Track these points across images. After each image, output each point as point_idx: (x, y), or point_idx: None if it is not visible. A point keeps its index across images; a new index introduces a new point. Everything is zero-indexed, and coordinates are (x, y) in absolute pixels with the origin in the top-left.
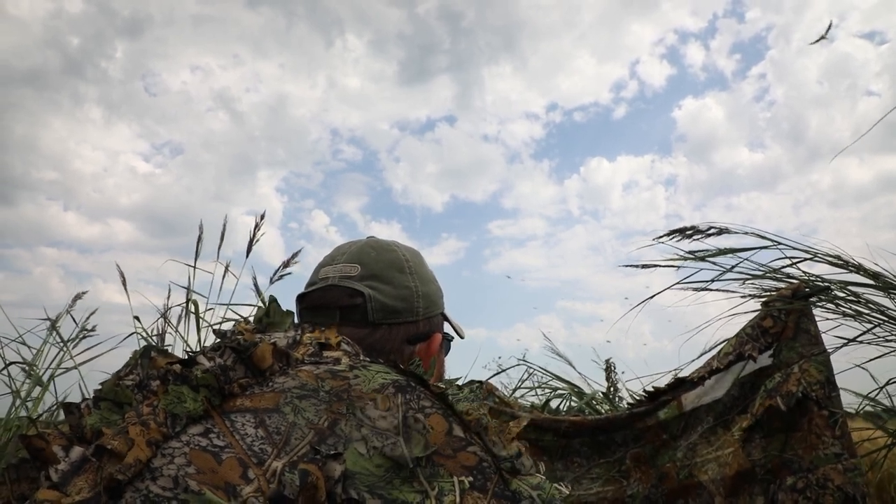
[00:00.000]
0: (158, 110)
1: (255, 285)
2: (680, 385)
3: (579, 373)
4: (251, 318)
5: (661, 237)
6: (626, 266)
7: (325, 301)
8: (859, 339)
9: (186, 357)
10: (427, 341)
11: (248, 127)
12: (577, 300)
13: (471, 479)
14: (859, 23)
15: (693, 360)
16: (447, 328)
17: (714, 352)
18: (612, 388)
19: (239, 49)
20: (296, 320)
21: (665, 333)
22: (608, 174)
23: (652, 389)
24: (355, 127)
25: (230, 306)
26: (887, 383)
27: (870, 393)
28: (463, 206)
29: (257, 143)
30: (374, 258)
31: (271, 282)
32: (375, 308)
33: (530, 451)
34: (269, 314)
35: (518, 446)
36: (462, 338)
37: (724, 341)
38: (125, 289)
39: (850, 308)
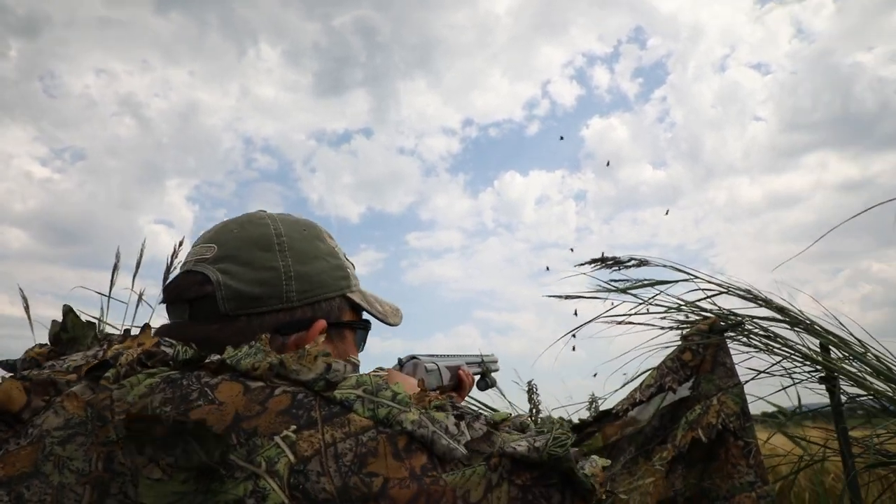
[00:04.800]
0: (58, 113)
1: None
2: (605, 417)
3: (502, 394)
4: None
5: (582, 264)
6: (551, 297)
7: (176, 293)
8: (768, 370)
9: None
10: (305, 331)
11: (156, 134)
12: (494, 310)
13: (294, 426)
14: (748, 54)
15: (617, 390)
16: (370, 317)
17: (636, 382)
18: (534, 410)
19: (147, 54)
20: (109, 330)
21: (579, 344)
22: (521, 188)
23: (578, 421)
24: (270, 137)
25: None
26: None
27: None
28: (380, 217)
29: (166, 150)
30: (234, 235)
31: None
32: (227, 296)
33: None
34: (67, 328)
35: (323, 361)
36: (391, 324)
37: (645, 371)
38: (25, 303)
39: (760, 342)
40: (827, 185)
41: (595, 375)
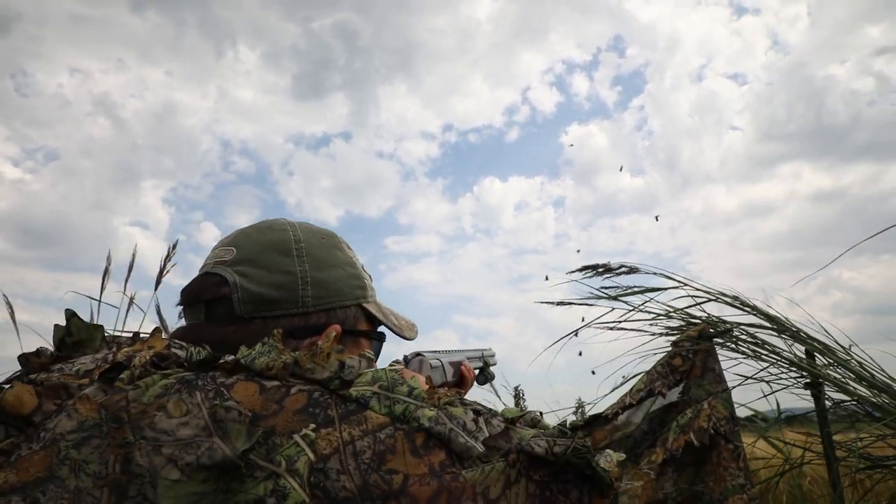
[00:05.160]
0: (31, 112)
1: (159, 314)
2: (595, 421)
3: (497, 395)
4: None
5: (573, 272)
6: (543, 303)
7: (194, 295)
8: (756, 376)
9: None
10: (318, 336)
11: (131, 135)
12: (472, 315)
13: (313, 424)
14: (725, 65)
15: (606, 396)
16: (384, 329)
17: (626, 388)
18: None
19: (123, 53)
20: (118, 332)
21: (555, 347)
22: (500, 194)
23: (568, 426)
24: (248, 139)
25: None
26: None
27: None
28: (358, 221)
29: (142, 151)
30: (253, 239)
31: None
32: (243, 298)
33: None
34: (72, 332)
35: (336, 359)
36: (406, 338)
37: (635, 375)
38: (10, 308)
39: (749, 348)
40: (801, 195)
41: (594, 373)
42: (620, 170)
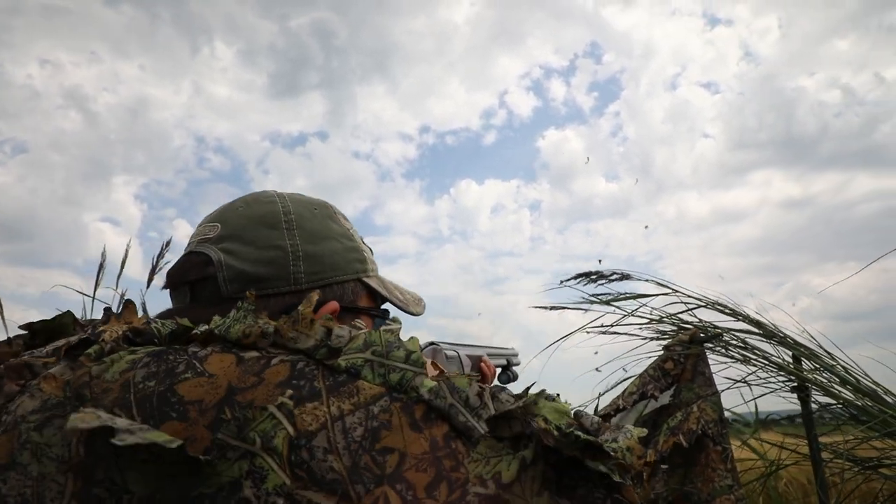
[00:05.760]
0: None
1: (145, 312)
2: None
3: None
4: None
5: (568, 279)
6: (537, 307)
7: (178, 276)
8: (745, 379)
9: None
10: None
11: (103, 129)
12: (448, 317)
13: (290, 391)
14: (698, 73)
15: (596, 399)
16: (389, 305)
17: (618, 390)
18: None
19: (96, 46)
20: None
21: (532, 350)
22: (477, 196)
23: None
24: (223, 136)
25: None
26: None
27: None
28: None
29: (113, 146)
30: (239, 213)
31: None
32: (229, 277)
33: None
34: (41, 324)
35: (322, 325)
36: (413, 313)
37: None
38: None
39: (738, 353)
40: (772, 202)
41: (598, 370)
42: (587, 161)
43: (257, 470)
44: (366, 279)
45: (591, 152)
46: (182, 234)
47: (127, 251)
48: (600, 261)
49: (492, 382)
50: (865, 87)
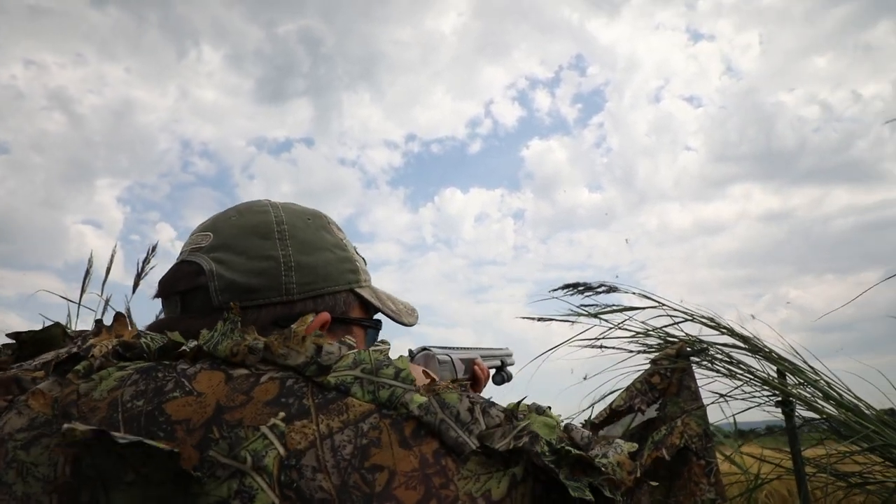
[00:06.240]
0: None
1: (129, 318)
2: None
3: None
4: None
5: (556, 290)
6: (524, 318)
7: (168, 286)
8: (731, 394)
9: None
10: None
11: (87, 131)
12: (431, 325)
13: (283, 413)
14: (681, 87)
15: (584, 411)
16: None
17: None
18: None
19: (82, 48)
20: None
21: (516, 360)
22: (461, 205)
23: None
24: (208, 141)
25: None
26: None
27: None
28: None
29: (97, 148)
30: (231, 223)
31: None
32: (220, 287)
33: None
34: (24, 338)
35: (313, 342)
36: (405, 324)
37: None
38: None
39: (723, 367)
40: (751, 214)
41: (585, 378)
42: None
43: (246, 489)
44: (358, 290)
45: (574, 163)
46: (165, 237)
47: (112, 256)
48: (590, 282)
49: (486, 384)
50: (843, 103)
